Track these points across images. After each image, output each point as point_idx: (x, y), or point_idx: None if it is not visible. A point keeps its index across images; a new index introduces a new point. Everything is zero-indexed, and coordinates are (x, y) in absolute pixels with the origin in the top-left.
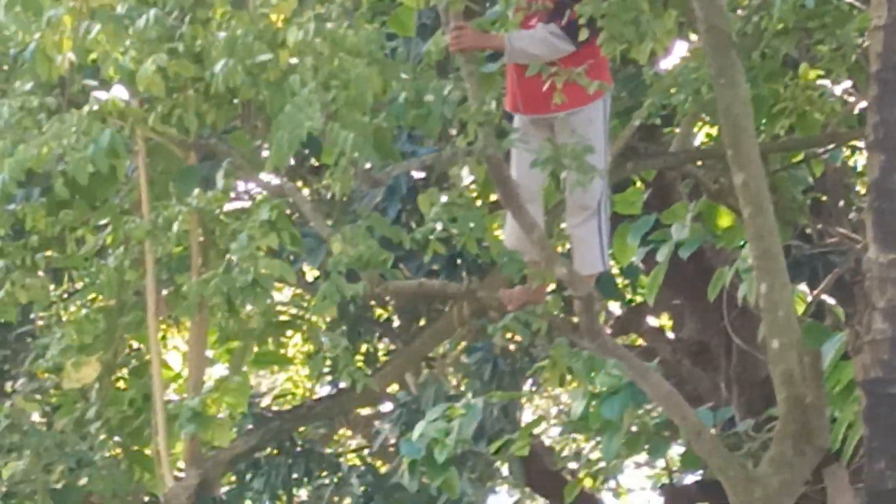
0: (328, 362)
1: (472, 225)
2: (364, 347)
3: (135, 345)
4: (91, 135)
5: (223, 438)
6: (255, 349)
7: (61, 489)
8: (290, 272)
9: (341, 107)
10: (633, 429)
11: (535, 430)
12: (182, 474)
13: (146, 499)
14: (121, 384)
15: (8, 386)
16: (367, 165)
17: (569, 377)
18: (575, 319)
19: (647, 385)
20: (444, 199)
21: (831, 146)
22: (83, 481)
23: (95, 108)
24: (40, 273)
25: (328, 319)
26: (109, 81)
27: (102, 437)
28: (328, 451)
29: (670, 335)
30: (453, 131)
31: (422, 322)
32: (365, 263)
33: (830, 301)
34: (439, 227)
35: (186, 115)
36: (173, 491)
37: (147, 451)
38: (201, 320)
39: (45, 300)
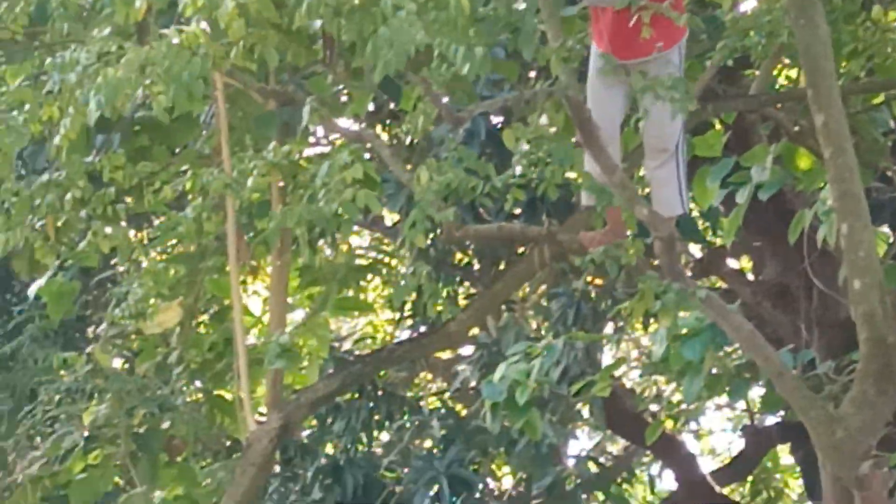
0: (408, 306)
1: (562, 156)
2: (445, 291)
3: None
4: (174, 67)
5: (311, 375)
6: (336, 295)
7: (143, 433)
8: (375, 202)
9: (442, 26)
10: (714, 371)
11: (616, 373)
12: (263, 418)
13: (227, 443)
14: (202, 329)
15: (90, 332)
16: (445, 100)
17: (651, 320)
18: (655, 262)
19: (728, 326)
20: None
21: None
22: (165, 425)
23: (176, 41)
24: (122, 223)
25: (408, 262)
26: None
27: (184, 381)
28: (409, 394)
29: (751, 277)
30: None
31: (502, 266)
32: (453, 191)
33: None
34: (518, 170)
35: (267, 51)
36: (255, 434)
37: (228, 396)
38: (282, 265)
39: (126, 248)
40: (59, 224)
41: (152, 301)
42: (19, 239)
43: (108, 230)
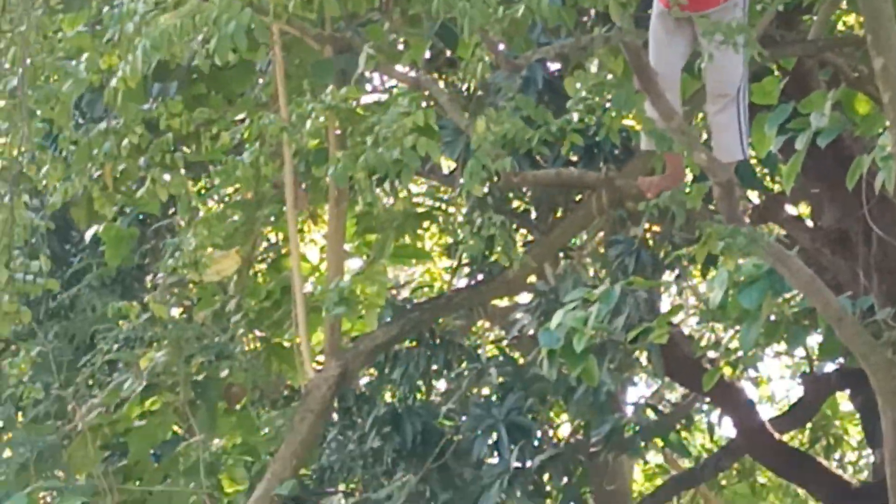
0: (465, 256)
1: (622, 102)
2: (502, 239)
3: (273, 238)
4: (223, 17)
5: (369, 323)
6: (393, 242)
7: (202, 381)
8: (436, 149)
9: None
10: (772, 317)
11: (674, 320)
12: (322, 366)
13: (286, 391)
14: (259, 278)
15: (148, 281)
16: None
17: (710, 267)
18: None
19: (787, 271)
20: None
21: None
22: (224, 373)
23: None
24: (180, 170)
25: (464, 210)
26: None
27: (242, 329)
28: (467, 342)
29: (809, 224)
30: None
31: (559, 213)
32: (510, 141)
33: None
34: (576, 117)
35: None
36: (314, 382)
37: (286, 344)
38: (340, 212)
39: (185, 196)
40: (117, 173)
41: (209, 250)
42: (78, 188)
43: (167, 177)
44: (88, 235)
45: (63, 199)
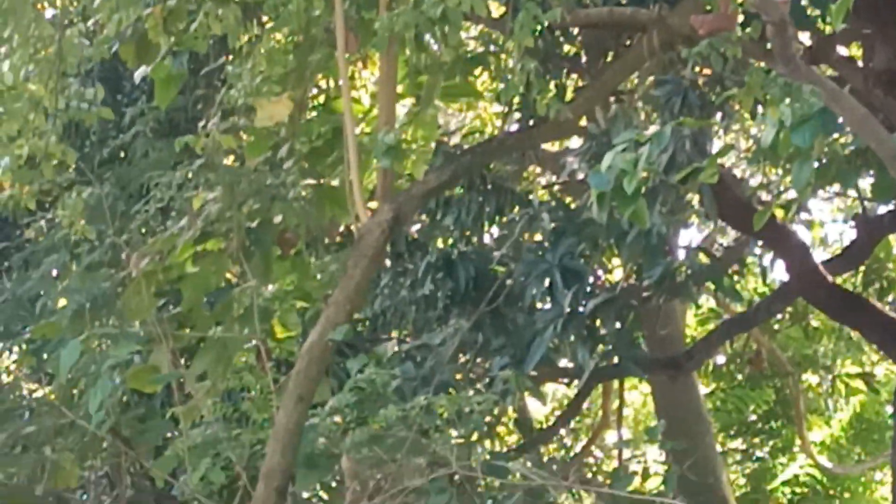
0: (516, 100)
1: None
2: (552, 83)
3: (324, 83)
4: None
5: (418, 169)
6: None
7: (256, 227)
8: (481, 4)
9: None
10: (824, 158)
11: (726, 161)
12: (374, 212)
13: (339, 238)
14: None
15: (199, 128)
16: None
17: (760, 108)
18: (768, 46)
19: (841, 109)
20: None
21: None
22: (277, 219)
23: None
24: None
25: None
26: None
27: (294, 175)
28: (518, 187)
29: (861, 65)
30: None
31: (609, 57)
32: None
33: None
34: None
35: None
36: (367, 226)
37: (339, 187)
38: (391, 56)
39: (237, 32)
40: (167, 12)
41: (265, 86)
42: (131, 20)
43: (221, 11)
44: (138, 76)
45: (116, 30)
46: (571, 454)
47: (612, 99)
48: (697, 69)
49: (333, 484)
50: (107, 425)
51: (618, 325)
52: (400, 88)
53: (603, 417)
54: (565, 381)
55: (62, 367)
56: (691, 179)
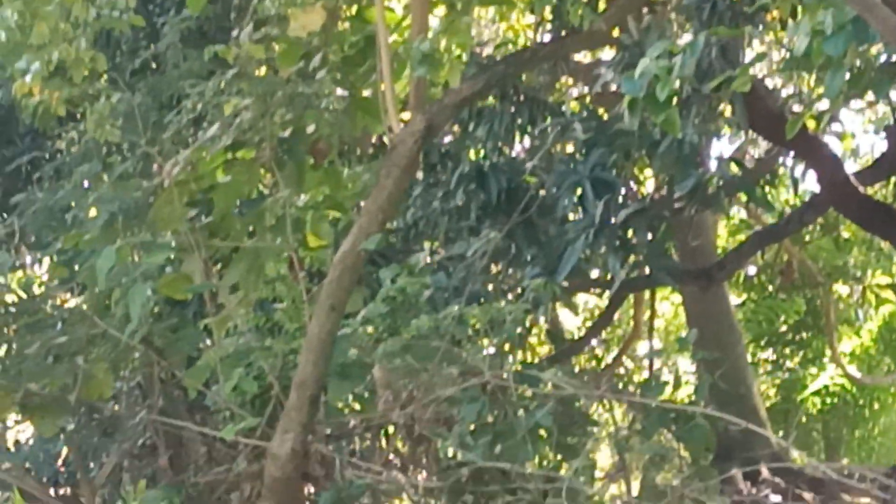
0: (549, 10)
1: None
2: None
3: None
4: None
5: (454, 77)
6: None
7: (288, 137)
8: None
9: None
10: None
11: (758, 72)
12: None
13: (371, 149)
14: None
15: (232, 38)
16: None
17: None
18: None
19: (874, 19)
20: None
21: None
22: (310, 129)
23: None
24: None
25: None
26: None
27: (327, 85)
28: (551, 99)
29: None
30: None
31: None
32: None
33: None
34: None
35: None
36: (400, 136)
37: (372, 96)
38: None
39: None
40: None
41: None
42: None
43: None
44: None
45: None
46: (603, 365)
47: (644, 9)
48: None
49: (366, 393)
50: (139, 335)
51: (649, 235)
52: None
53: (634, 328)
54: (597, 291)
55: (98, 273)
56: (724, 88)
